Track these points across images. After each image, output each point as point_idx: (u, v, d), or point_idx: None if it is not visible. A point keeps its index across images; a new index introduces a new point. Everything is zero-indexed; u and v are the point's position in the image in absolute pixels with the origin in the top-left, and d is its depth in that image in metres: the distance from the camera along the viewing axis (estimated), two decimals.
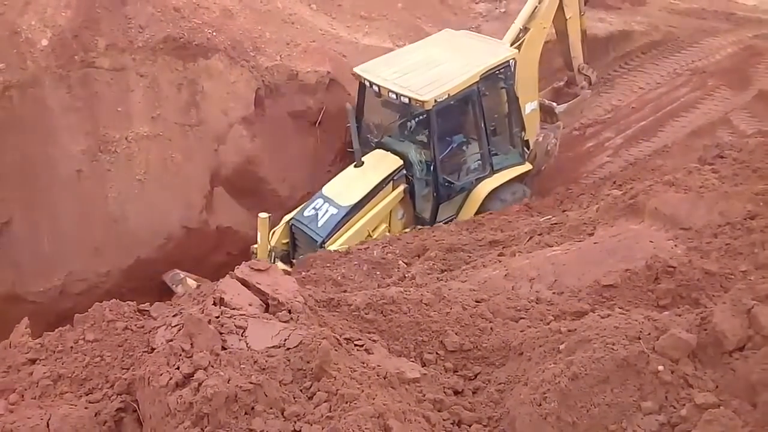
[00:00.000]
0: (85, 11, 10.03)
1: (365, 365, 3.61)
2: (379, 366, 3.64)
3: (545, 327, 4.09)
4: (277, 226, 8.90)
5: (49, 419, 3.02)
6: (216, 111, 10.40)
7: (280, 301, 3.81)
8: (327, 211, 8.60)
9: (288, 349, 3.41)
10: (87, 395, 3.36)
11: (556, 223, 6.84)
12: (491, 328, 4.16)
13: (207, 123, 10.17)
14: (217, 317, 3.47)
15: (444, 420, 3.46)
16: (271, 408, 3.05)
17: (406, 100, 8.75)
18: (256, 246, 8.55)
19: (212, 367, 3.10)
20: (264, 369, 3.22)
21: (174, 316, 3.61)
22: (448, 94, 8.80)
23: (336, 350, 3.51)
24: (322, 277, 6.32)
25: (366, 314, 4.24)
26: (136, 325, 3.75)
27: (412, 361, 3.93)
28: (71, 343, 3.62)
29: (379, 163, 9.13)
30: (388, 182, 9.01)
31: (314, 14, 12.78)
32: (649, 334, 3.43)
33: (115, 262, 9.22)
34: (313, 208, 8.74)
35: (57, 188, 9.18)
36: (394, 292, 4.57)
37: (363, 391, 3.20)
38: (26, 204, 8.98)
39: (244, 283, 3.93)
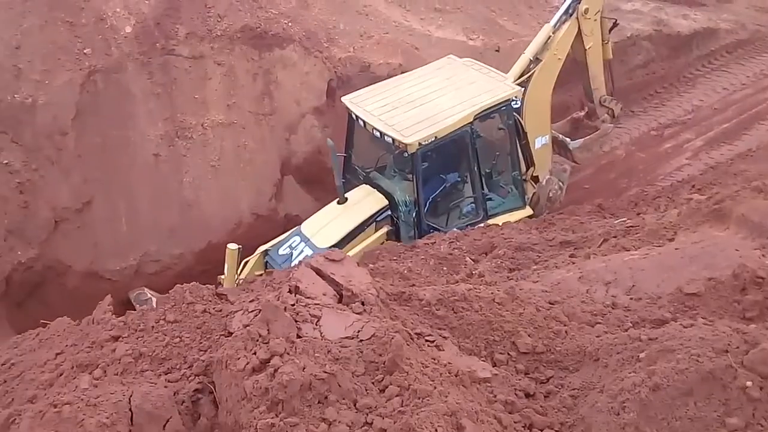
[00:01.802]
0: (167, 0, 10.32)
1: (436, 362, 3.58)
2: (450, 363, 3.60)
3: (623, 333, 3.97)
4: (251, 256, 8.25)
5: (131, 396, 3.12)
6: (289, 101, 10.54)
7: (354, 292, 3.82)
8: (302, 251, 7.96)
9: (361, 340, 3.41)
10: (166, 374, 3.46)
11: (632, 226, 6.62)
12: (566, 332, 4.06)
13: (280, 112, 10.32)
14: (293, 305, 3.51)
15: (515, 422, 3.40)
16: (343, 398, 3.06)
17: (390, 140, 8.14)
18: (222, 277, 7.91)
19: (288, 354, 3.13)
20: (337, 359, 3.23)
21: (251, 301, 3.67)
22: (435, 137, 8.09)
23: (408, 345, 3.49)
24: (390, 269, 6.29)
25: (437, 310, 4.20)
26: (214, 308, 3.84)
27: (483, 361, 3.88)
28: (152, 322, 3.73)
29: (363, 201, 8.50)
30: (371, 223, 8.35)
31: (388, 6, 12.77)
32: (738, 347, 3.28)
33: (187, 245, 9.46)
34: (289, 246, 8.16)
35: (135, 171, 9.48)
36: (465, 289, 4.51)
37: (435, 387, 3.17)
38: (106, 185, 9.29)
39: (319, 272, 3.96)
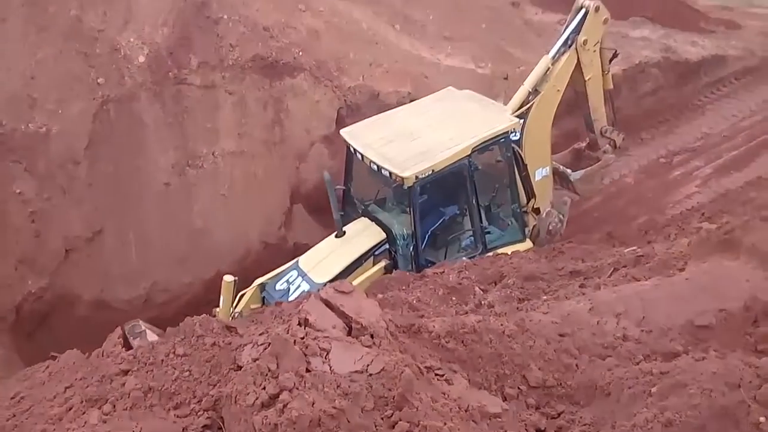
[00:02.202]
0: (180, 30, 10.48)
1: (446, 396, 3.56)
2: (460, 398, 3.58)
3: (635, 367, 3.93)
4: (248, 289, 8.09)
5: None
6: (299, 129, 10.63)
7: (363, 324, 3.81)
8: (299, 286, 7.85)
9: (370, 375, 3.40)
10: (175, 409, 3.45)
11: (641, 256, 6.57)
12: (576, 365, 4.03)
13: (290, 140, 10.40)
14: (302, 338, 3.50)
15: None
16: None
17: (387, 173, 8.05)
18: (218, 309, 7.79)
19: (297, 389, 3.12)
20: (347, 394, 3.22)
21: (260, 334, 3.67)
22: (432, 170, 7.98)
23: (418, 379, 3.47)
24: (399, 299, 6.27)
25: (446, 342, 4.18)
26: (223, 341, 3.83)
27: (493, 395, 3.85)
28: (162, 356, 3.73)
29: (362, 235, 8.41)
30: (369, 257, 8.23)
31: (398, 35, 12.91)
32: (750, 381, 3.25)
33: (197, 274, 9.49)
34: (287, 280, 8.01)
35: (146, 199, 9.55)
36: (474, 320, 4.49)
37: (445, 423, 3.15)
38: (117, 214, 9.36)
39: (328, 304, 3.96)
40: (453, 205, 8.87)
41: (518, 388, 3.88)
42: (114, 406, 3.42)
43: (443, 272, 7.22)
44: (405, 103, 11.12)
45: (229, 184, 9.98)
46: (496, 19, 13.96)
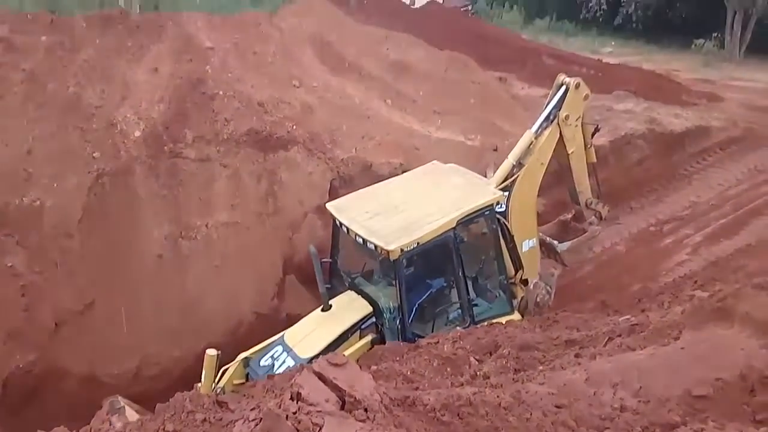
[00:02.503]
0: (176, 106, 10.74)
1: None
2: None
3: None
4: (231, 364, 7.90)
5: None
6: (292, 200, 10.74)
7: (357, 398, 3.74)
8: (284, 362, 7.68)
9: None
10: None
11: (636, 324, 6.56)
12: None
13: (283, 212, 10.48)
14: (295, 413, 3.43)
15: None
16: None
17: (373, 246, 7.95)
18: (199, 384, 7.57)
19: None
20: None
21: (252, 409, 3.60)
22: (417, 243, 7.92)
23: None
24: (393, 371, 6.19)
25: (442, 416, 4.11)
26: (214, 417, 3.75)
27: None
28: None
29: (348, 309, 8.28)
30: (356, 330, 8.08)
31: (389, 109, 13.26)
32: None
33: (187, 346, 9.33)
34: (271, 356, 7.85)
35: (138, 272, 9.52)
36: (470, 392, 4.43)
37: None
38: (109, 286, 9.30)
39: (321, 377, 3.90)
40: (440, 278, 8.81)
41: None
42: None
43: (438, 342, 7.16)
44: (397, 174, 11.27)
45: (223, 256, 9.98)
46: (484, 94, 14.41)
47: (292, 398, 3.62)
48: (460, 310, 8.57)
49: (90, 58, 10.82)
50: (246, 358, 8.00)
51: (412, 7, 28.93)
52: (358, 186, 9.99)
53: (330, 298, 8.31)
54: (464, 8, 32.90)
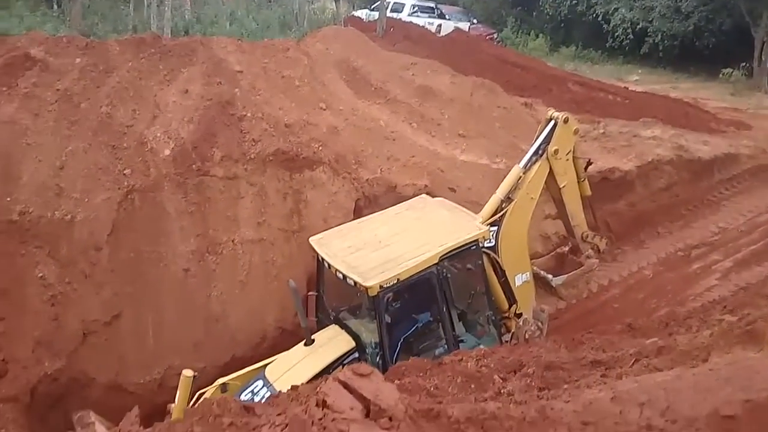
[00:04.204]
0: (205, 126, 10.94)
1: None
2: None
3: None
4: (208, 388, 7.85)
5: None
6: (317, 218, 10.82)
7: (382, 407, 3.75)
8: (264, 396, 7.51)
9: None
10: None
11: (663, 346, 6.48)
12: None
13: (308, 229, 10.55)
14: (320, 419, 3.46)
15: None
16: None
17: (352, 283, 7.87)
18: (172, 405, 7.46)
19: None
20: None
21: (278, 415, 3.63)
22: (397, 279, 7.81)
23: None
24: (416, 386, 6.18)
25: (466, 428, 4.09)
26: (241, 421, 3.79)
27: None
28: None
29: (330, 343, 8.20)
30: (337, 366, 7.87)
31: (414, 132, 13.35)
32: None
33: (211, 359, 9.41)
34: (251, 391, 7.74)
35: (165, 285, 9.64)
36: (495, 407, 4.41)
37: None
38: (136, 298, 9.43)
39: (346, 386, 3.92)
40: (426, 312, 8.70)
41: None
42: None
43: (461, 360, 7.13)
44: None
45: (248, 271, 10.08)
46: (509, 118, 14.46)
47: (317, 405, 3.65)
48: (445, 347, 8.38)
49: (122, 80, 11.09)
50: (224, 383, 7.93)
51: (438, 35, 29.22)
52: (383, 206, 10.08)
53: (316, 331, 8.29)
54: (490, 36, 33.11)
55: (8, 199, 9.26)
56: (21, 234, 9.11)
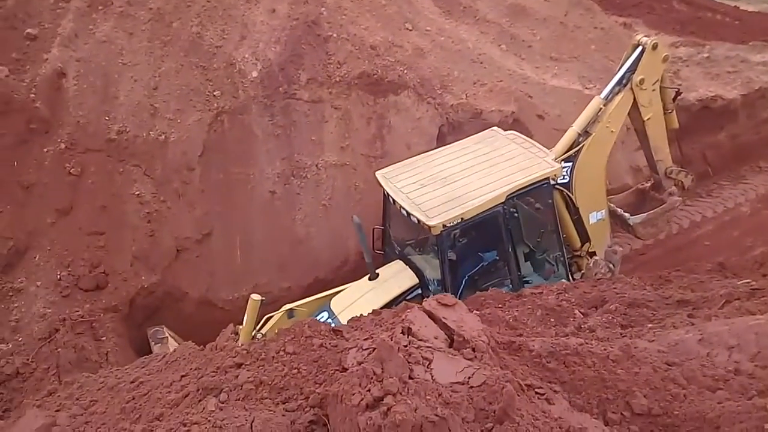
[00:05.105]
0: (291, 47, 10.93)
1: (547, 415, 3.52)
2: (561, 418, 3.53)
3: (747, 402, 3.75)
4: (275, 313, 7.96)
5: (253, 421, 3.28)
6: (400, 144, 10.79)
7: (465, 338, 3.84)
8: None
9: (471, 387, 3.42)
10: (284, 403, 3.60)
11: (757, 289, 6.24)
12: (684, 395, 3.88)
13: (390, 155, 10.56)
14: (405, 346, 3.57)
15: None
16: None
17: (416, 221, 7.75)
18: (240, 327, 7.52)
19: (400, 394, 3.19)
20: (448, 403, 3.25)
21: (365, 339, 3.77)
22: (462, 219, 7.64)
23: (519, 395, 3.46)
24: (496, 317, 6.25)
25: (548, 362, 4.14)
26: (330, 343, 3.97)
27: (595, 418, 3.77)
28: (273, 352, 3.91)
29: (394, 279, 8.18)
30: (400, 301, 7.78)
31: (503, 54, 12.89)
32: None
33: (296, 279, 9.77)
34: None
35: (252, 206, 9.96)
36: (577, 343, 4.42)
37: None
38: (225, 218, 9.81)
39: (431, 315, 4.01)
40: (482, 256, 8.54)
41: (621, 413, 3.79)
42: (228, 395, 3.62)
43: (541, 293, 7.13)
44: (508, 123, 11.07)
45: (331, 195, 10.25)
46: (606, 40, 13.68)
47: (403, 332, 3.77)
48: (509, 287, 8.29)
49: None
50: (290, 309, 8.13)
51: None
52: (468, 133, 9.89)
53: (383, 265, 8.31)
54: None
55: (106, 118, 9.68)
56: (119, 152, 9.56)
